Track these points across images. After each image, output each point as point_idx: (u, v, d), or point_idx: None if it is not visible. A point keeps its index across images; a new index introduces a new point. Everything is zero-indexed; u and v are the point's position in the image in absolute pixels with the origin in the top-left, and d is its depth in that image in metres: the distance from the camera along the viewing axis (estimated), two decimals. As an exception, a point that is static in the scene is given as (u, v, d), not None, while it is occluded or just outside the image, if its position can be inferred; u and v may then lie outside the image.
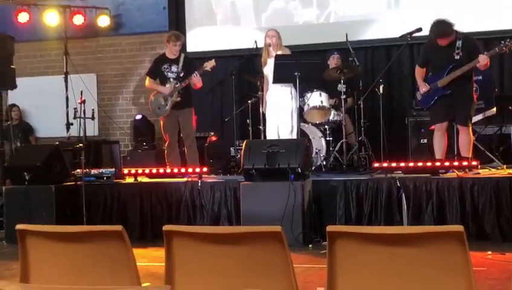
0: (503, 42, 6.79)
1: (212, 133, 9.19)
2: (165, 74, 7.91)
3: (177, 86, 7.82)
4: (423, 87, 6.94)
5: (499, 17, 8.76)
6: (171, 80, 7.88)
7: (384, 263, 2.61)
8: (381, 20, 9.33)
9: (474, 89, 7.02)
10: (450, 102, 6.87)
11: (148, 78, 8.15)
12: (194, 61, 8.36)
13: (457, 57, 6.72)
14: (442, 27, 6.72)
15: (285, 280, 2.66)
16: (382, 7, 9.39)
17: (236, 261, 2.75)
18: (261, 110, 8.06)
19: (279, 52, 7.47)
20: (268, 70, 7.57)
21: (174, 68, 7.90)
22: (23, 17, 9.96)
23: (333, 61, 8.75)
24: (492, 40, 8.25)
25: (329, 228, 2.66)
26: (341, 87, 8.10)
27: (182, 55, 8.01)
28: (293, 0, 9.72)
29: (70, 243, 2.90)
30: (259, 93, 8.10)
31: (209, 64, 7.86)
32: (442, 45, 6.77)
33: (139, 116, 10.01)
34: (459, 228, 2.50)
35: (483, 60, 6.57)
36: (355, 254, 2.64)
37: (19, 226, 2.97)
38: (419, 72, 7.11)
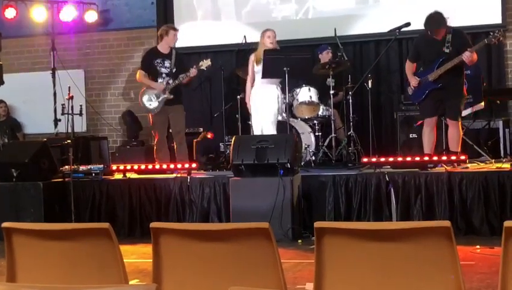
0: (492, 34, 6.78)
1: (201, 129, 9.16)
2: (158, 68, 7.78)
3: (170, 82, 7.75)
4: (413, 81, 6.94)
5: (485, 12, 8.77)
6: (164, 75, 7.80)
7: (371, 258, 2.61)
8: (360, 16, 9.30)
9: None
10: (441, 96, 6.87)
11: (140, 71, 7.92)
12: (183, 56, 8.32)
13: (447, 51, 6.73)
14: (439, 19, 6.72)
15: (273, 275, 2.66)
16: (360, 3, 9.37)
17: (224, 257, 2.75)
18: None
19: None
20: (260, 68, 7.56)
21: (167, 63, 7.79)
22: (10, 13, 9.87)
23: (326, 56, 8.64)
24: (479, 34, 8.25)
25: (317, 224, 2.66)
26: (330, 81, 8.08)
27: (174, 52, 7.90)
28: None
29: (57, 241, 2.89)
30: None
31: (204, 64, 7.74)
32: (438, 37, 6.75)
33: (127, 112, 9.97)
34: (446, 223, 2.51)
35: (467, 56, 6.59)
36: (342, 250, 2.64)
37: (4, 224, 2.96)
38: (409, 67, 7.09)
